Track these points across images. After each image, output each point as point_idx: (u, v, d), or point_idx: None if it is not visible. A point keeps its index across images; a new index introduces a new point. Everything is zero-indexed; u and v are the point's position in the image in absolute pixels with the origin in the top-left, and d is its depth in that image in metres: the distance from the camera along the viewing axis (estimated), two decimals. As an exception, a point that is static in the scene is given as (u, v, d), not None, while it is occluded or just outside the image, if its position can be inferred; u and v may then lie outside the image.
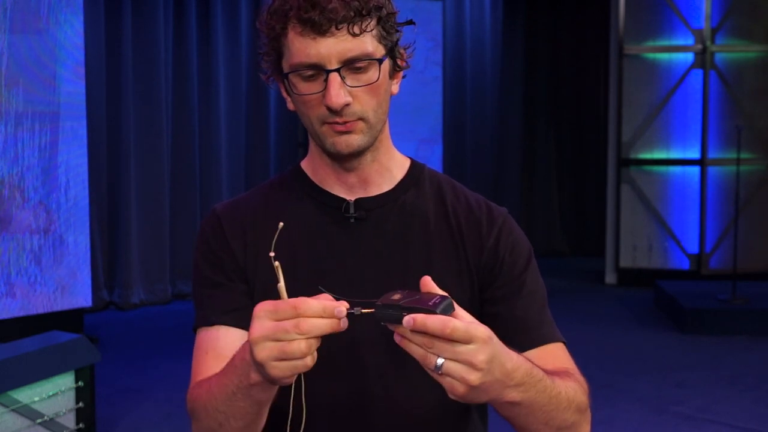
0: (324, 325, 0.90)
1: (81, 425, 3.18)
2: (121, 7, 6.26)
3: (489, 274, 1.21)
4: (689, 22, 6.98)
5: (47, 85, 4.86)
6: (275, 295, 1.17)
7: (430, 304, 0.89)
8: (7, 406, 2.93)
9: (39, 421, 3.03)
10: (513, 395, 0.98)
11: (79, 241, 5.06)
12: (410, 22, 1.19)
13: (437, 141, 7.35)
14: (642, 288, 6.94)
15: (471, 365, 0.90)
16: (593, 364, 4.85)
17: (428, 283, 0.94)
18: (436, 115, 7.31)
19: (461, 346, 0.89)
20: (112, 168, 6.34)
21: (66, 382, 3.14)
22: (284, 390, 1.01)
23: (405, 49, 1.19)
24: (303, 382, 0.99)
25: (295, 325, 0.89)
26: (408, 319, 0.88)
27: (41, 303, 4.89)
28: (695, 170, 7.07)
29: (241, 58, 6.90)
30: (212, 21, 6.74)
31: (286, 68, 1.14)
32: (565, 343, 1.23)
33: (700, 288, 6.25)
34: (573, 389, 1.10)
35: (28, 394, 3.01)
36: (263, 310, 0.92)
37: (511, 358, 0.96)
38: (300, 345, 0.89)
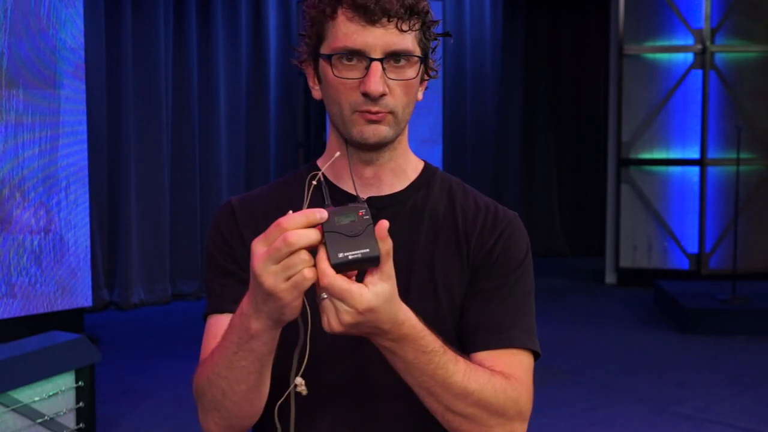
0: (310, 235, 0.93)
1: (81, 425, 3.19)
2: (121, 7, 6.26)
3: (477, 273, 1.22)
4: (689, 22, 6.99)
5: (47, 85, 4.87)
6: None
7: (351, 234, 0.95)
8: (7, 406, 2.93)
9: (39, 420, 3.03)
10: (385, 342, 1.02)
11: (79, 241, 5.06)
12: (447, 34, 1.23)
13: (437, 141, 7.35)
14: (642, 288, 6.94)
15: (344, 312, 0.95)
16: (593, 364, 4.85)
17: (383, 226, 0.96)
18: (436, 115, 7.31)
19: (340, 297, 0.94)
20: (112, 168, 6.34)
21: (66, 382, 3.15)
22: (282, 356, 1.06)
23: (433, 61, 1.23)
24: (309, 316, 1.02)
25: (283, 240, 0.92)
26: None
27: (41, 303, 4.89)
28: (695, 170, 7.08)
29: (241, 59, 6.90)
30: (212, 21, 6.74)
31: (326, 51, 1.16)
32: (537, 353, 1.20)
33: (700, 288, 6.25)
34: (484, 386, 1.08)
35: (28, 394, 3.01)
36: (255, 243, 0.95)
37: (402, 311, 0.99)
38: (300, 256, 0.93)
